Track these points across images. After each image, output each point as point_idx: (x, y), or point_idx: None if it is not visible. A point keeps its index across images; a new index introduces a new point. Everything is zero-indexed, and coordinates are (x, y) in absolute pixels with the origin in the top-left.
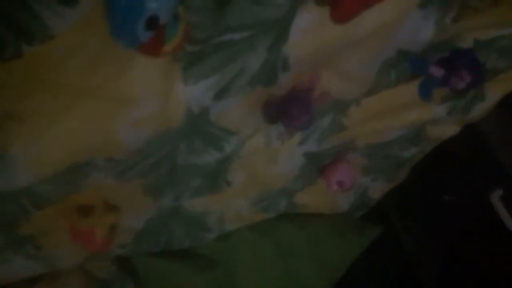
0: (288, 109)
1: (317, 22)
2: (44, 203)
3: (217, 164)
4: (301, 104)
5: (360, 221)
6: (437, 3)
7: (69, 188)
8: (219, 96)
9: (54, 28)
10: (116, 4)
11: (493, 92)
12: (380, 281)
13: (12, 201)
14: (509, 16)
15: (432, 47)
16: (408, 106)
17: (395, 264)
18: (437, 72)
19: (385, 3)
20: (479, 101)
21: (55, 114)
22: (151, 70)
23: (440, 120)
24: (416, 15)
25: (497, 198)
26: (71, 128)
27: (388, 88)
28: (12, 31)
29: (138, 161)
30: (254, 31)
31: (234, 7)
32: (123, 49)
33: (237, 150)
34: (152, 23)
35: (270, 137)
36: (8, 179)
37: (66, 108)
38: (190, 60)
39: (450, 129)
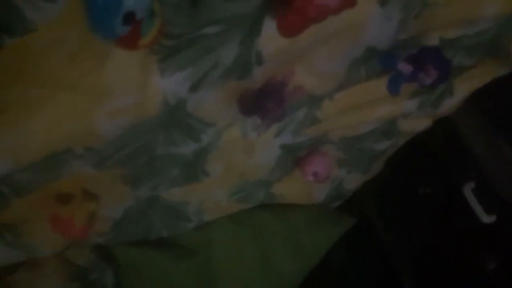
0: (262, 102)
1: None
2: (23, 191)
3: (194, 154)
4: (275, 98)
5: (336, 211)
6: (398, 1)
7: (48, 176)
8: (194, 88)
9: (34, 21)
10: (94, 0)
11: (461, 89)
12: (358, 269)
13: None
14: (471, 15)
15: (400, 44)
16: (379, 101)
17: (372, 254)
18: (405, 68)
19: None
20: (447, 96)
21: (35, 105)
22: (128, 62)
23: (411, 115)
24: (378, 14)
25: (469, 191)
26: (50, 118)
27: (359, 83)
28: None
29: (116, 150)
30: (227, 25)
31: (207, 3)
32: (102, 42)
33: (215, 141)
34: (129, 18)
35: (246, 129)
36: None
37: (46, 99)
38: (166, 53)
39: (421, 123)
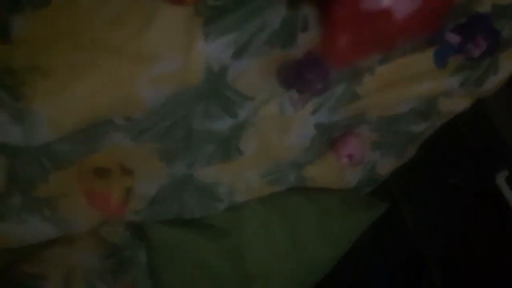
0: (304, 74)
1: None
2: (62, 163)
3: (230, 131)
4: (318, 69)
5: (368, 197)
6: None
7: (88, 148)
8: (238, 55)
9: None
10: None
11: (507, 66)
12: (382, 256)
13: (31, 159)
14: None
15: (450, 11)
16: (422, 76)
17: (397, 241)
18: (453, 38)
19: None
20: (492, 73)
21: (79, 70)
22: (173, 25)
23: (452, 92)
24: None
25: (503, 179)
26: (94, 84)
27: (403, 56)
28: None
29: (156, 122)
30: None
31: None
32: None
33: (251, 118)
34: None
35: (283, 105)
36: (29, 134)
37: (90, 64)
38: (211, 15)
39: (461, 103)
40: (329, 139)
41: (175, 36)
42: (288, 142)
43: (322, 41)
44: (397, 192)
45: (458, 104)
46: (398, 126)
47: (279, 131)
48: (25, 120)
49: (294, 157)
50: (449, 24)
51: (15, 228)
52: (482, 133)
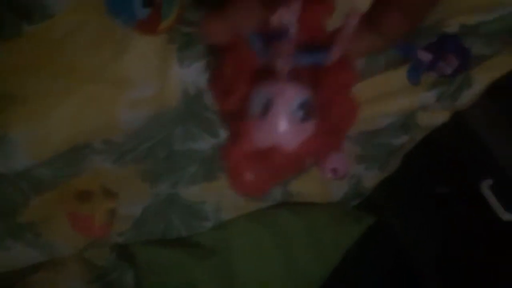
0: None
1: None
2: (43, 188)
3: (212, 150)
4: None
5: (355, 210)
6: None
7: (68, 172)
8: None
9: (53, 7)
10: None
11: (480, 79)
12: (374, 269)
13: (11, 185)
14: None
15: (419, 32)
16: (398, 92)
17: (387, 252)
18: (425, 56)
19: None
20: (466, 88)
21: (57, 97)
22: (148, 51)
23: (430, 107)
24: None
25: (487, 188)
26: (72, 110)
27: (378, 73)
28: (11, 10)
29: (136, 144)
30: None
31: None
32: (122, 29)
33: None
34: (149, 0)
35: None
36: (7, 161)
37: (68, 90)
38: (185, 42)
39: (440, 116)
40: None
41: (150, 61)
42: None
43: (229, 176)
44: (384, 203)
45: (437, 117)
46: (379, 140)
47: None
48: (3, 147)
49: None
50: (421, 42)
51: None
52: (465, 141)
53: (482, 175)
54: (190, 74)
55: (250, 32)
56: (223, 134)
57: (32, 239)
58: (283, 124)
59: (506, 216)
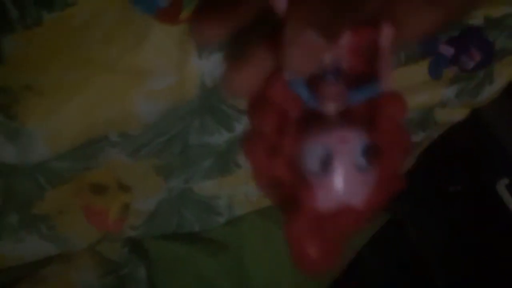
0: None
1: None
2: (59, 181)
3: (227, 144)
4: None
5: None
6: None
7: (84, 164)
8: None
9: None
10: None
11: (502, 75)
12: (387, 266)
13: (27, 178)
14: None
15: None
16: (418, 88)
17: (401, 251)
18: (446, 51)
19: None
20: (487, 84)
21: (74, 88)
22: (167, 42)
23: (449, 103)
24: None
25: (503, 187)
26: (89, 101)
27: (398, 68)
28: None
29: (152, 138)
30: None
31: None
32: (141, 19)
33: None
34: None
35: None
36: (25, 153)
37: (85, 81)
38: None
39: (458, 113)
40: None
41: (168, 52)
42: None
43: (292, 256)
44: (397, 201)
45: (455, 114)
46: None
47: None
48: (21, 139)
49: None
50: (442, 36)
51: (12, 247)
52: (481, 141)
53: (499, 174)
54: (209, 66)
55: (292, 78)
56: (239, 127)
57: (46, 232)
58: (350, 177)
59: None
